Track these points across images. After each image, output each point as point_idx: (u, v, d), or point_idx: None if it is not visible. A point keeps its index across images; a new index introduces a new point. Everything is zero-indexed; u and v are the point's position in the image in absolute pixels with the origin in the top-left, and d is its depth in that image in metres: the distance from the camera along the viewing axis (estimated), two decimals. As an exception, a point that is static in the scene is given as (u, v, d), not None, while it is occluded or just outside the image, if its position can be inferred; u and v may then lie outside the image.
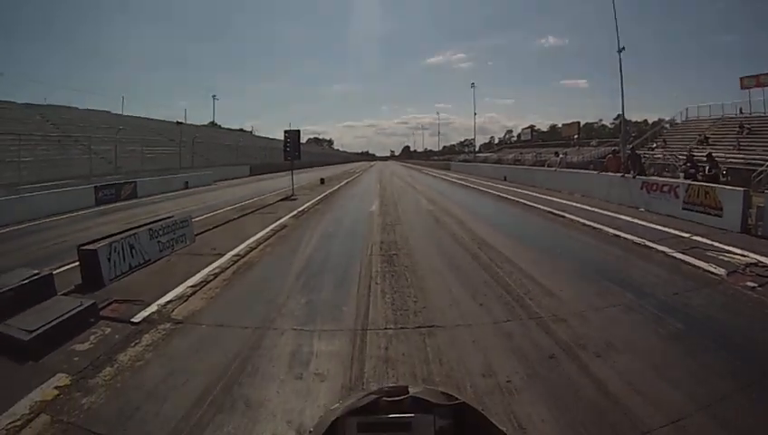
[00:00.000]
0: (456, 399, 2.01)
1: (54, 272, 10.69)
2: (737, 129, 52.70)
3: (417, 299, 10.33)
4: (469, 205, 28.08)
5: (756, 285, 10.69)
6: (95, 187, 30.85)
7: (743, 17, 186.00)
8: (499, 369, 7.05)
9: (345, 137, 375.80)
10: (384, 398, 1.96)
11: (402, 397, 1.97)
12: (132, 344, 8.13)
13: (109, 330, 8.74)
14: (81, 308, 8.92)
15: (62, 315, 8.52)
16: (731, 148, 47.99)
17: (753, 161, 39.88)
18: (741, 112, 58.60)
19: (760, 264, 12.20)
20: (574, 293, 10.45)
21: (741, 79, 61.16)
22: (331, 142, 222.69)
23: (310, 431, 1.93)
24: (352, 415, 1.93)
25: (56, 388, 6.62)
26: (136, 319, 9.19)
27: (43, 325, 8.06)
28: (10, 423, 5.73)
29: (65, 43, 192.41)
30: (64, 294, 10.10)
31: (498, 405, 5.99)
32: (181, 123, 70.51)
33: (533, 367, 7.11)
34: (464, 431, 1.96)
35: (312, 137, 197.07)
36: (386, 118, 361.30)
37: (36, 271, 9.58)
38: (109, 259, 11.71)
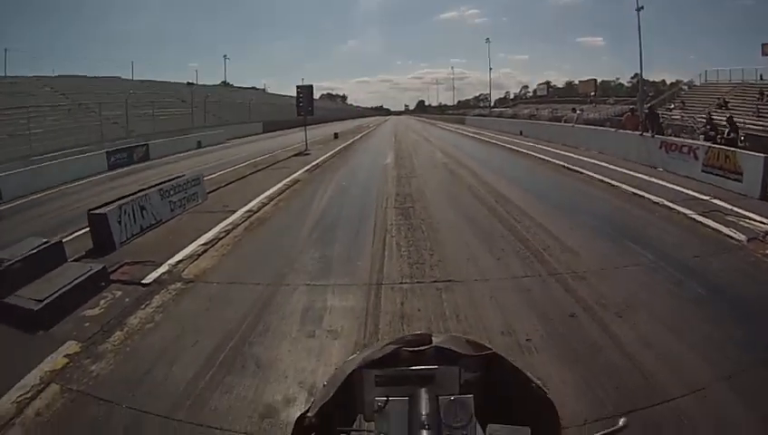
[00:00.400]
0: (486, 348, 1.79)
1: (67, 238, 10.82)
2: (757, 95, 51.97)
3: (433, 253, 10.17)
4: (485, 158, 27.72)
5: None
6: (107, 152, 30.52)
7: None
8: (518, 327, 6.91)
9: (359, 92, 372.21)
10: (405, 348, 1.73)
11: (425, 347, 1.74)
12: (142, 307, 8.02)
13: (119, 293, 8.62)
14: (91, 273, 8.80)
15: (72, 282, 8.40)
16: (750, 114, 47.19)
17: None
18: (761, 79, 57.62)
19: None
20: (593, 250, 10.28)
21: (763, 45, 60.22)
22: (344, 98, 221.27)
23: (324, 385, 1.73)
24: (370, 367, 1.71)
25: (66, 356, 6.51)
26: (146, 280, 9.08)
27: (53, 293, 7.95)
28: (21, 395, 5.61)
29: (71, 13, 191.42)
30: (75, 260, 9.93)
31: (517, 364, 5.75)
32: (192, 84, 70.21)
33: (554, 326, 6.97)
34: (493, 385, 1.76)
35: (325, 93, 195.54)
36: (400, 73, 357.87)
37: (45, 239, 9.42)
38: (119, 222, 11.56)
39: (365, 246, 10.84)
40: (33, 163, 26.38)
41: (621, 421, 1.46)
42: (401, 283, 8.59)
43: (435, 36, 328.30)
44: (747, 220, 12.52)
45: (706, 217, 12.71)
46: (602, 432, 1.43)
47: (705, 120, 27.17)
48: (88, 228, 11.63)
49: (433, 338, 1.79)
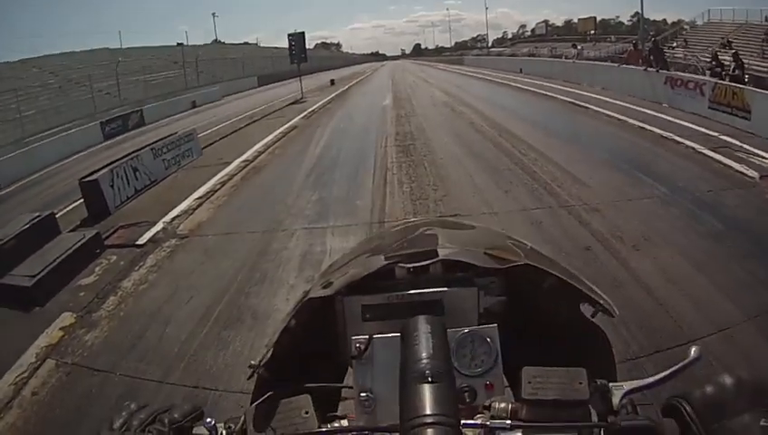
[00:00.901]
0: (514, 259, 1.25)
1: (62, 211, 10.76)
2: (762, 36, 51.66)
3: (437, 187, 9.97)
4: (486, 96, 27.35)
5: None
6: (101, 122, 30.22)
7: None
8: None
9: (353, 40, 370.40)
10: (401, 264, 1.27)
11: (428, 261, 1.26)
12: (137, 268, 7.86)
13: (114, 257, 8.46)
14: (84, 241, 8.62)
15: (66, 252, 8.22)
16: (754, 54, 46.93)
17: None
18: (766, 20, 57.43)
19: None
20: (605, 182, 10.06)
21: None
22: (339, 46, 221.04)
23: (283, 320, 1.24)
24: (353, 293, 1.24)
25: (61, 329, 6.37)
26: (141, 241, 8.93)
27: (46, 267, 7.76)
28: (18, 376, 5.48)
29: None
30: (71, 231, 9.73)
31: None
32: (182, 44, 69.92)
33: (569, 260, 6.43)
34: (527, 310, 1.32)
35: (319, 42, 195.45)
36: (394, 17, 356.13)
37: (37, 213, 9.24)
38: (112, 186, 11.32)
39: (365, 185, 10.62)
40: (26, 145, 26.20)
41: (694, 351, 1.01)
42: (404, 219, 8.16)
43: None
44: (757, 157, 12.21)
45: (717, 153, 12.46)
46: (676, 366, 1.01)
47: (710, 57, 26.73)
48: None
49: (439, 250, 1.29)
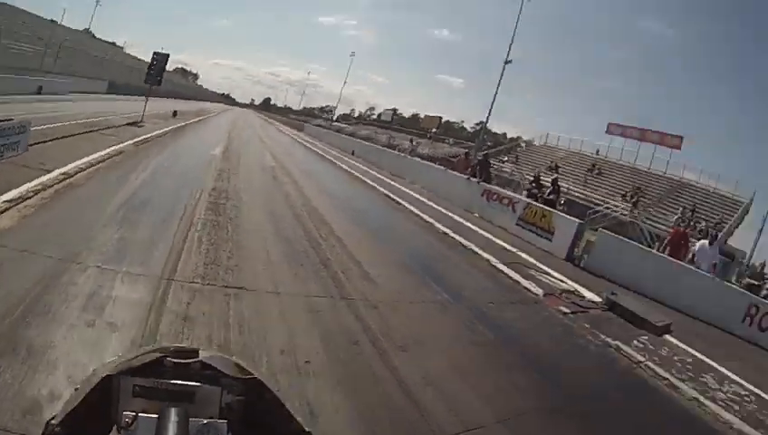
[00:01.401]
0: (249, 373, 1.75)
1: None
2: (590, 166, 56.98)
3: (231, 255, 10.22)
4: (311, 170, 28.66)
5: (569, 311, 11.52)
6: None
7: (627, 72, 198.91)
8: (300, 347, 7.04)
9: (212, 74, 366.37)
10: (169, 358, 1.65)
11: (190, 360, 1.67)
12: None
13: None
14: None
15: None
16: (577, 181, 51.83)
17: (594, 200, 43.34)
18: (597, 153, 63.85)
19: (576, 292, 13.16)
20: (393, 282, 10.72)
21: (609, 124, 67.45)
22: (196, 76, 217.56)
23: (76, 388, 1.61)
24: (130, 375, 1.60)
25: None
26: None
27: None
28: None
29: None
30: None
31: (293, 387, 6.00)
32: (55, 22, 67.47)
33: (336, 351, 7.16)
34: (254, 411, 1.72)
35: (179, 67, 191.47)
36: (257, 64, 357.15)
37: None
38: None
39: (167, 235, 10.73)
40: None
41: None
42: (192, 282, 8.57)
43: (306, 36, 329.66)
44: (548, 277, 13.77)
45: (510, 268, 13.70)
46: None
47: (532, 178, 28.70)
48: None
49: (200, 352, 1.71)
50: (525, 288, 12.37)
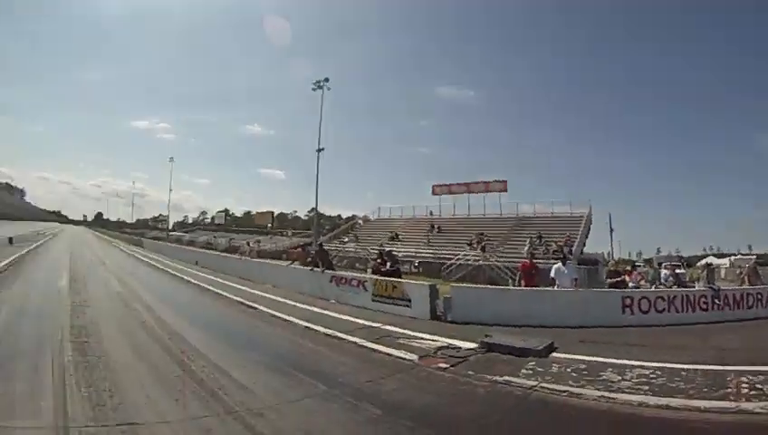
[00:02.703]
0: None
1: None
2: (429, 227, 60.29)
3: (112, 394, 10.33)
4: (159, 290, 28.40)
5: (448, 365, 12.19)
6: None
7: (438, 136, 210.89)
8: None
9: (39, 189, 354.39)
10: None
11: None
12: None
13: None
14: None
15: None
16: (422, 244, 54.59)
17: (443, 256, 45.81)
18: (431, 214, 69.11)
19: (450, 346, 13.92)
20: (269, 386, 11.14)
21: (433, 186, 72.54)
22: (23, 193, 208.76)
23: None
24: None
25: None
26: None
27: None
28: None
29: None
30: None
31: None
32: None
33: None
34: None
35: (3, 182, 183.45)
36: (82, 177, 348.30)
37: None
38: None
39: (45, 383, 10.77)
40: None
41: None
42: (87, 425, 8.76)
43: (122, 143, 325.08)
44: (418, 340, 14.52)
45: (378, 344, 14.31)
46: None
47: (376, 254, 29.88)
48: None
49: None
50: (399, 358, 12.95)
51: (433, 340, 14.77)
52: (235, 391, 10.74)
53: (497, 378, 11.18)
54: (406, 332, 15.89)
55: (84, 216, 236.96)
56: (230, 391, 10.73)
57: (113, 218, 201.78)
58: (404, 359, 12.96)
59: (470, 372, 11.69)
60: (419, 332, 15.83)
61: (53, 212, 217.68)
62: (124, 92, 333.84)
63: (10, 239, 45.67)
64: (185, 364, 12.66)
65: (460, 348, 13.89)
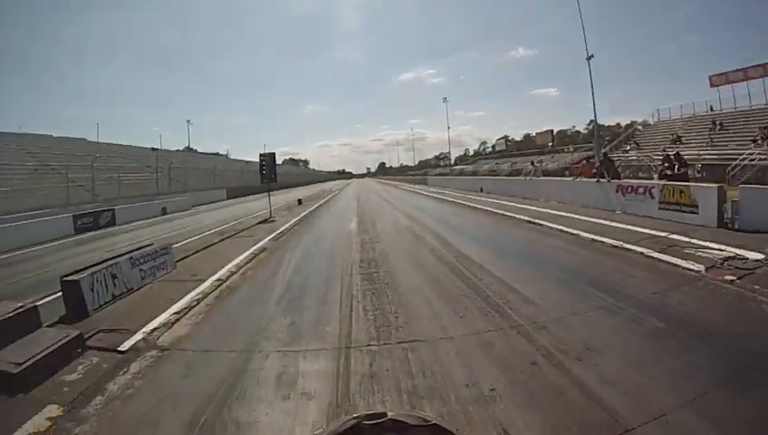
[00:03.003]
0: (428, 420, 1.96)
1: (38, 303, 10.66)
2: (710, 125, 54.02)
3: (398, 315, 10.41)
4: (447, 219, 28.10)
5: (735, 277, 10.90)
6: (73, 215, 30.73)
7: (707, 19, 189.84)
8: (482, 378, 7.17)
9: (321, 157, 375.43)
10: (364, 422, 1.90)
11: (381, 420, 1.91)
12: (121, 373, 8.18)
13: (96, 359, 8.78)
14: (67, 339, 8.96)
15: (49, 347, 8.54)
16: (704, 144, 49.12)
17: (727, 156, 40.67)
18: (711, 109, 60.56)
19: (738, 257, 12.44)
20: (553, 299, 10.62)
21: (710, 77, 63.05)
22: (306, 163, 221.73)
23: None
24: None
25: (48, 419, 6.66)
26: (122, 347, 9.22)
27: (31, 357, 8.07)
28: None
29: (37, 73, 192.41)
30: (49, 326, 10.06)
31: (482, 413, 6.17)
32: (156, 149, 70.28)
33: (516, 374, 7.25)
34: None
35: (287, 157, 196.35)
36: (360, 136, 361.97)
37: (21, 304, 9.54)
38: (92, 289, 11.72)
39: (332, 311, 11.03)
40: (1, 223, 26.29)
41: None
42: (369, 345, 8.87)
43: (394, 97, 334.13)
44: (705, 250, 13.17)
45: (664, 254, 13.27)
46: None
47: (660, 159, 27.84)
48: (59, 293, 11.72)
49: (388, 413, 1.94)
50: (685, 269, 11.95)
51: (720, 249, 13.31)
52: (520, 305, 10.39)
53: (785, 295, 9.68)
54: (692, 241, 14.56)
55: (368, 168, 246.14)
56: (515, 305, 10.40)
57: (395, 165, 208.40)
58: (690, 270, 11.86)
59: (756, 287, 10.35)
60: (706, 241, 14.43)
61: (337, 172, 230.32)
62: (384, 54, 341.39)
63: (299, 200, 47.95)
64: (472, 283, 12.49)
65: (747, 259, 12.34)
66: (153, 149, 69.69)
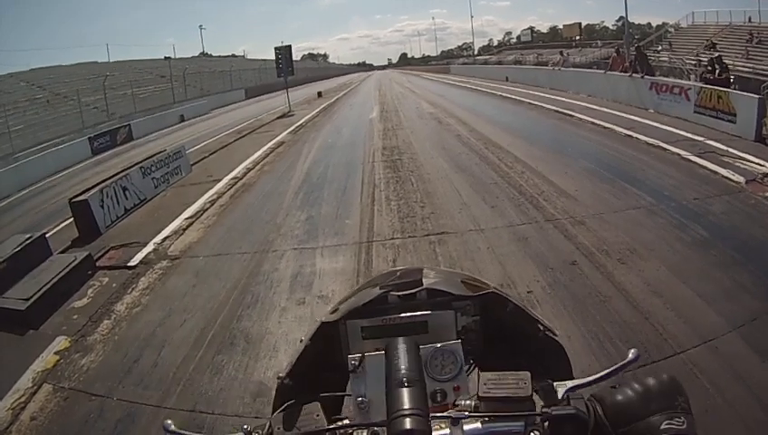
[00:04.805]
0: (484, 287, 1.67)
1: (53, 230, 10.83)
2: (747, 37, 51.68)
3: (424, 205, 10.04)
4: (472, 106, 27.37)
5: None
6: (89, 138, 29.98)
7: None
8: (518, 278, 6.78)
9: (340, 50, 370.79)
10: (393, 293, 1.60)
11: (415, 290, 1.61)
12: (129, 291, 7.88)
13: (106, 280, 8.47)
14: (76, 263, 8.61)
15: (58, 274, 8.21)
16: (739, 56, 46.98)
17: (763, 72, 39.10)
18: (750, 21, 57.37)
19: None
20: (590, 193, 10.12)
21: None
22: (326, 57, 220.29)
23: (301, 340, 1.59)
24: (355, 317, 1.55)
25: (56, 353, 6.37)
26: (132, 263, 8.94)
27: (39, 290, 7.75)
28: (15, 401, 5.49)
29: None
30: (61, 252, 9.73)
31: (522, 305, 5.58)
32: (169, 58, 69.79)
33: (555, 275, 6.82)
34: (492, 326, 1.62)
35: (306, 53, 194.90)
36: (380, 27, 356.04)
37: (28, 235, 9.19)
38: (102, 206, 11.30)
39: (353, 203, 10.69)
40: (15, 161, 26.02)
41: (632, 353, 1.34)
42: (392, 238, 8.49)
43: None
44: (743, 162, 12.21)
45: (702, 159, 12.51)
46: (613, 366, 1.32)
47: (706, 62, 26.69)
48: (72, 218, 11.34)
49: (424, 280, 1.65)
50: (725, 178, 11.11)
51: (759, 163, 12.25)
52: (555, 198, 9.89)
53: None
54: (729, 150, 13.44)
55: (389, 59, 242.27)
56: (550, 197, 9.93)
57: (417, 56, 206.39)
58: (730, 180, 10.98)
59: None
60: (744, 152, 13.23)
61: (358, 64, 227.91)
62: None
63: (319, 93, 47.60)
64: (503, 171, 12.04)
65: None
66: (166, 58, 69.25)
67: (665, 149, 13.56)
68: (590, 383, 1.30)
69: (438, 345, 1.43)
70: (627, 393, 1.17)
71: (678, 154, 13.00)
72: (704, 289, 6.21)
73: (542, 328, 1.58)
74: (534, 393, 1.24)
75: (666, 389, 1.16)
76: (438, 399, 1.38)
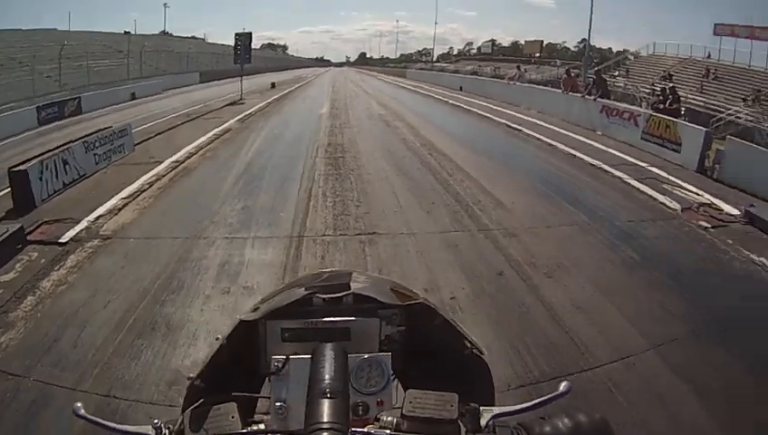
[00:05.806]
0: (413, 297, 1.61)
1: None
2: (703, 72, 52.75)
3: (359, 204, 10.13)
4: (422, 111, 27.67)
5: (709, 225, 10.49)
6: (37, 107, 29.13)
7: None
8: (443, 284, 6.87)
9: (301, 43, 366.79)
10: (319, 295, 1.54)
11: (342, 294, 1.54)
12: (57, 268, 7.78)
13: (35, 254, 8.37)
14: (6, 235, 8.47)
15: None
16: (694, 89, 48.01)
17: (714, 107, 40.02)
18: (709, 57, 58.47)
19: (713, 206, 11.92)
20: (527, 207, 10.30)
21: (715, 25, 60.77)
22: (285, 48, 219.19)
23: (217, 338, 1.55)
24: (276, 318, 1.49)
25: None
26: (63, 239, 8.84)
27: None
28: None
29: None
30: (-7, 222, 9.52)
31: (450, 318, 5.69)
32: (129, 33, 68.89)
33: (481, 284, 6.94)
34: (420, 342, 1.58)
35: (266, 42, 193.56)
36: (344, 24, 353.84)
37: None
38: (40, 178, 11.17)
39: (290, 196, 10.77)
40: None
41: (563, 386, 1.32)
42: (324, 235, 8.56)
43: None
44: (683, 190, 12.66)
45: (642, 184, 12.88)
46: (544, 397, 1.30)
47: (659, 91, 27.15)
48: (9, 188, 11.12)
49: (352, 284, 1.61)
50: (662, 204, 11.56)
51: (697, 193, 12.72)
52: (491, 208, 10.12)
53: (755, 257, 9.12)
54: (671, 178, 13.93)
55: (347, 57, 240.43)
56: (486, 208, 10.13)
57: (376, 56, 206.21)
58: (667, 206, 11.45)
59: (729, 241, 9.82)
60: (684, 181, 13.71)
61: (316, 59, 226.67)
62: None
63: (272, 84, 47.31)
64: (443, 179, 12.25)
65: (722, 211, 11.90)
66: (126, 32, 68.38)
67: (607, 172, 13.91)
68: (517, 412, 1.30)
69: (366, 356, 1.40)
70: (557, 426, 1.18)
71: (620, 178, 13.35)
72: (627, 309, 6.43)
73: (469, 345, 1.57)
74: (461, 416, 1.26)
75: (596, 428, 1.19)
76: (360, 412, 1.34)
